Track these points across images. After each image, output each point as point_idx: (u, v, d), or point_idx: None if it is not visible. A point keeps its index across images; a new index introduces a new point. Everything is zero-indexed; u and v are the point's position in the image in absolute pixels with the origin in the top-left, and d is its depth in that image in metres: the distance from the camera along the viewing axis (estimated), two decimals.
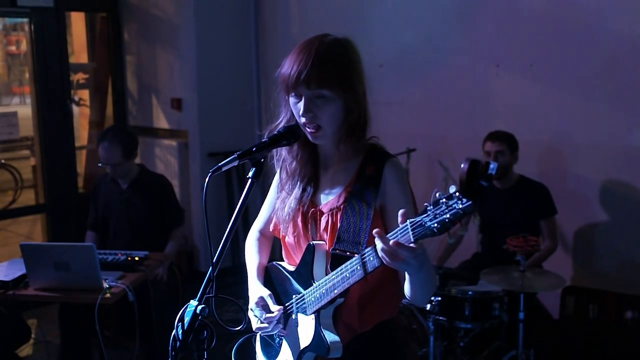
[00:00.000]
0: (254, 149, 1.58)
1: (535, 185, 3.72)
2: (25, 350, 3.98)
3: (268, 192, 1.91)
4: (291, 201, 1.73)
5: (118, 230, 3.79)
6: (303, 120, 1.61)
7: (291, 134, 1.64)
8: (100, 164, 3.71)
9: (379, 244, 1.40)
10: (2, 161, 6.82)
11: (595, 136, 3.77)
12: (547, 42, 3.91)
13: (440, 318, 3.23)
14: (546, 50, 3.91)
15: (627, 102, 3.66)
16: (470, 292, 3.21)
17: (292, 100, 1.63)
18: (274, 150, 1.72)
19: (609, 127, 3.72)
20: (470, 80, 4.26)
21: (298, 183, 1.73)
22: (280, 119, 1.70)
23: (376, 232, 1.41)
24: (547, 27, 3.90)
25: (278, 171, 1.80)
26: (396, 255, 1.38)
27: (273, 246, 1.98)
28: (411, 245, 1.36)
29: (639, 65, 3.59)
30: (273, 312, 1.71)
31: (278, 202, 1.79)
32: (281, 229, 1.77)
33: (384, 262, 1.41)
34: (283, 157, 1.75)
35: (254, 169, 1.59)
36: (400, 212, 1.38)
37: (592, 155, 3.80)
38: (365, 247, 1.52)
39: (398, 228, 1.37)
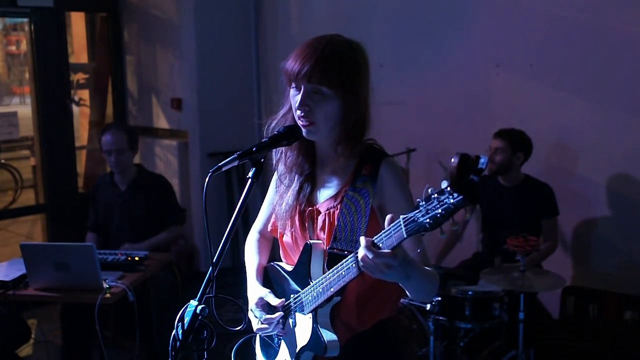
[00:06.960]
0: (254, 149, 1.58)
1: (539, 184, 3.72)
2: (25, 350, 3.97)
3: (268, 192, 1.91)
4: (289, 196, 1.73)
5: (119, 231, 3.78)
6: (298, 112, 1.61)
7: (291, 134, 1.64)
8: (106, 152, 3.68)
9: (360, 252, 1.41)
10: (2, 161, 6.83)
11: (595, 136, 3.77)
12: (547, 42, 3.91)
13: (440, 318, 3.23)
14: (546, 50, 3.91)
15: (627, 102, 3.65)
16: (470, 292, 3.21)
17: (291, 91, 1.64)
18: None
19: (609, 127, 3.71)
20: (470, 80, 4.26)
21: (296, 177, 1.73)
22: (281, 109, 1.71)
23: (363, 240, 1.41)
24: (547, 26, 3.90)
25: (276, 167, 1.79)
26: (377, 268, 1.39)
27: (273, 247, 1.98)
28: (387, 251, 1.37)
29: (639, 65, 3.59)
30: (273, 313, 1.71)
31: (276, 197, 1.79)
32: (279, 226, 1.77)
33: (367, 273, 1.43)
34: (282, 151, 1.75)
35: (254, 169, 1.59)
36: (388, 217, 1.39)
37: (592, 155, 3.80)
38: None
39: (391, 225, 1.37)
